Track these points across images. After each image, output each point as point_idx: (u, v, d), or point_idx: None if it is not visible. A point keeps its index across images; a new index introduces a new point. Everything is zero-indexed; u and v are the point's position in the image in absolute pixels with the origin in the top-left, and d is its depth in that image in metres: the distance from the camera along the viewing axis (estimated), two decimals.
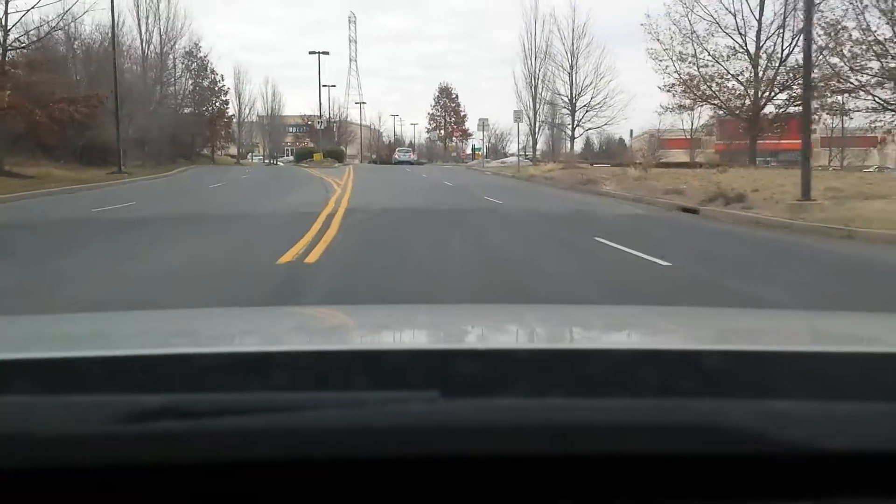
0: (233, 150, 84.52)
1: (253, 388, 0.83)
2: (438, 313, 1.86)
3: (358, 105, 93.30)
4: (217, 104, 76.73)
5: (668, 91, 35.39)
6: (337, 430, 0.76)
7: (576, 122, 42.06)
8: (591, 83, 44.11)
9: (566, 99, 41.99)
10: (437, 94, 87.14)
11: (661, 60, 34.55)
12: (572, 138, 41.86)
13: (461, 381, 0.85)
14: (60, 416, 0.76)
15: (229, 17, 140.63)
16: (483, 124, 49.95)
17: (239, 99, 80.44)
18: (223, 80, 78.52)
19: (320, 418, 0.76)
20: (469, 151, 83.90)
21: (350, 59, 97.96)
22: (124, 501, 0.77)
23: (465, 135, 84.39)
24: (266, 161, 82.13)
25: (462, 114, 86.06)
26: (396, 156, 66.86)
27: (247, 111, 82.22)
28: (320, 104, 63.33)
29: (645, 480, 0.79)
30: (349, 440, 0.76)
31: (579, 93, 43.49)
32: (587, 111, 43.07)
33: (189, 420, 0.75)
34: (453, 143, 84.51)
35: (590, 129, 42.79)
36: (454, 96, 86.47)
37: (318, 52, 61.10)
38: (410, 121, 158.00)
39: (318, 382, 0.86)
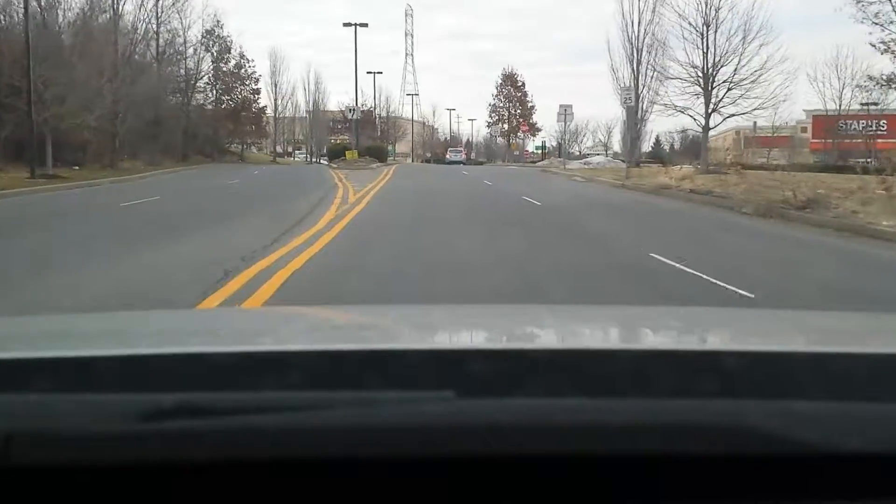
0: (275, 147, 74.32)
1: (268, 388, 0.82)
2: (454, 313, 1.80)
3: (413, 102, 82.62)
4: (244, 92, 66.29)
5: (886, 51, 21.97)
6: (351, 430, 0.76)
7: (712, 106, 26.83)
8: (735, 48, 26.54)
9: (698, 73, 26.63)
10: (499, 81, 74.52)
11: (868, 2, 21.24)
12: (706, 129, 27.15)
13: (476, 381, 0.84)
14: (78, 415, 0.76)
15: (295, 16, 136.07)
16: (565, 112, 37.87)
17: (275, 88, 69.95)
18: (253, 65, 68.21)
19: (335, 418, 0.76)
20: (531, 150, 72.08)
21: (406, 54, 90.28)
22: (141, 499, 0.78)
23: (534, 129, 71.85)
24: (309, 159, 71.94)
25: (529, 105, 73.31)
26: (449, 156, 59.82)
27: (285, 103, 71.42)
28: (356, 89, 51.39)
29: (661, 481, 0.79)
30: (364, 440, 0.76)
31: (718, 63, 26.23)
32: (729, 88, 26.51)
33: (205, 419, 0.75)
34: (519, 140, 72.21)
35: (733, 115, 26.71)
36: (520, 84, 73.54)
37: (355, 24, 49.29)
38: (469, 118, 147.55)
39: (332, 382, 0.85)
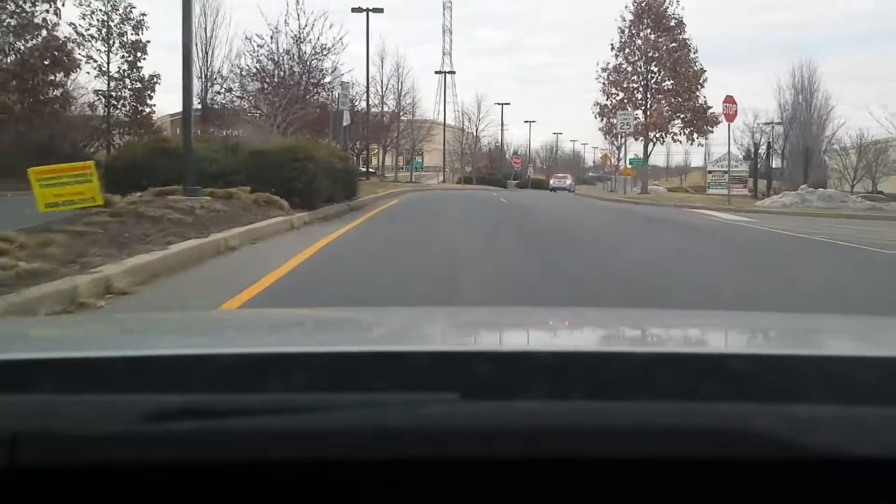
0: None
1: (273, 389, 0.83)
2: (459, 315, 1.82)
3: (445, 83, 52.20)
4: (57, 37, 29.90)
5: None
6: (356, 432, 0.77)
7: None
8: None
9: None
10: (629, 18, 36.19)
11: None
12: None
13: (481, 384, 0.84)
14: (84, 415, 0.77)
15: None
16: None
17: (208, 57, 33.75)
18: None
19: (340, 419, 0.77)
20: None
21: (444, 54, 78.96)
22: (147, 500, 0.79)
23: (712, 122, 33.55)
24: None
25: (695, 67, 35.24)
26: (553, 182, 43.08)
27: (219, 68, 35.34)
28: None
29: (667, 485, 0.80)
30: (368, 441, 0.77)
31: None
32: None
33: (210, 420, 0.76)
34: (678, 139, 34.61)
35: None
36: (672, 24, 35.46)
37: None
38: (517, 129, 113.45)
39: (337, 383, 0.86)
